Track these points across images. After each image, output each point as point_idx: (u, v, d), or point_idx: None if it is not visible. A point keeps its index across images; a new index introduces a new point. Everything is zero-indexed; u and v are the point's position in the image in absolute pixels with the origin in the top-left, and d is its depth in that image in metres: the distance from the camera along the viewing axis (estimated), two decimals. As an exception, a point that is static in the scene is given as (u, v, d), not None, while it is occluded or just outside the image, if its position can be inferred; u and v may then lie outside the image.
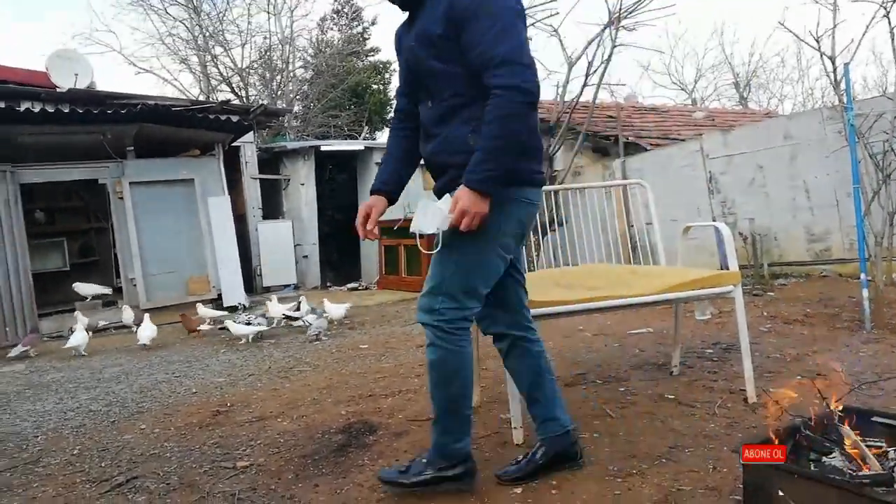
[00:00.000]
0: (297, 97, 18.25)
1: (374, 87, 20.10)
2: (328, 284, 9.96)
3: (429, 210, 1.96)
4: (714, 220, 6.74)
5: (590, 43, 8.56)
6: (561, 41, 8.25)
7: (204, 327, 6.06)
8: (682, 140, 9.70)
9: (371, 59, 20.90)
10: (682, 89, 26.57)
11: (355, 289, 9.26)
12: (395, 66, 21.30)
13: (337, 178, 11.26)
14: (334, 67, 17.65)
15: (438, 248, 2.01)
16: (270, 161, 10.19)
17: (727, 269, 2.88)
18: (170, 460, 2.73)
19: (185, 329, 6.09)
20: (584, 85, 8.14)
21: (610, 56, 8.07)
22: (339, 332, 5.78)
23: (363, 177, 10.32)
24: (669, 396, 2.99)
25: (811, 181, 5.98)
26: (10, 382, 4.47)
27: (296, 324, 6.01)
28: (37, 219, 7.22)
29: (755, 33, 42.39)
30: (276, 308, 6.16)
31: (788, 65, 33.94)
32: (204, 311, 6.25)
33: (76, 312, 6.13)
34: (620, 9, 7.75)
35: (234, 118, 7.73)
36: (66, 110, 7.45)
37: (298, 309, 6.14)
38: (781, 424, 1.82)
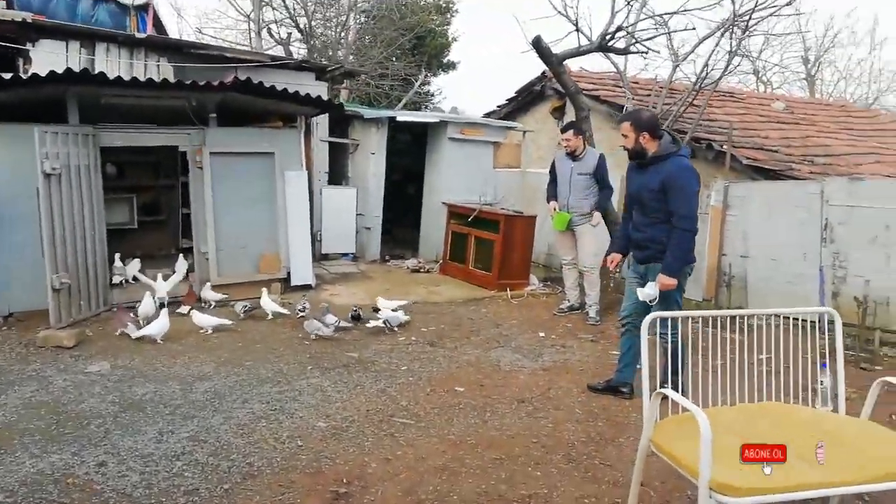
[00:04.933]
0: (357, 35, 17.47)
1: (436, 28, 19.14)
2: (386, 258, 9.70)
3: (649, 288, 4.14)
4: (821, 270, 6.34)
5: (701, 41, 7.91)
6: (669, 36, 7.59)
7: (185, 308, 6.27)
8: (797, 170, 8.85)
9: (435, -4, 19.80)
10: (747, 56, 25.22)
11: (417, 270, 8.99)
12: (458, 6, 20.30)
13: (401, 141, 10.78)
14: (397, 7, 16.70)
15: (657, 301, 4.13)
16: (339, 121, 9.72)
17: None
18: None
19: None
20: (697, 90, 7.52)
21: (728, 64, 7.45)
22: (421, 351, 5.56)
23: (433, 148, 9.85)
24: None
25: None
26: (100, 395, 4.29)
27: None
28: (108, 173, 6.92)
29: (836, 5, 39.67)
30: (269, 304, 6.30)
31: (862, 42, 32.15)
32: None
33: (153, 293, 6.03)
34: (753, 9, 6.93)
35: (324, 95, 7.31)
36: (144, 59, 7.10)
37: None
38: None
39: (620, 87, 9.67)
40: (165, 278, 6.43)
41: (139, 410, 4.09)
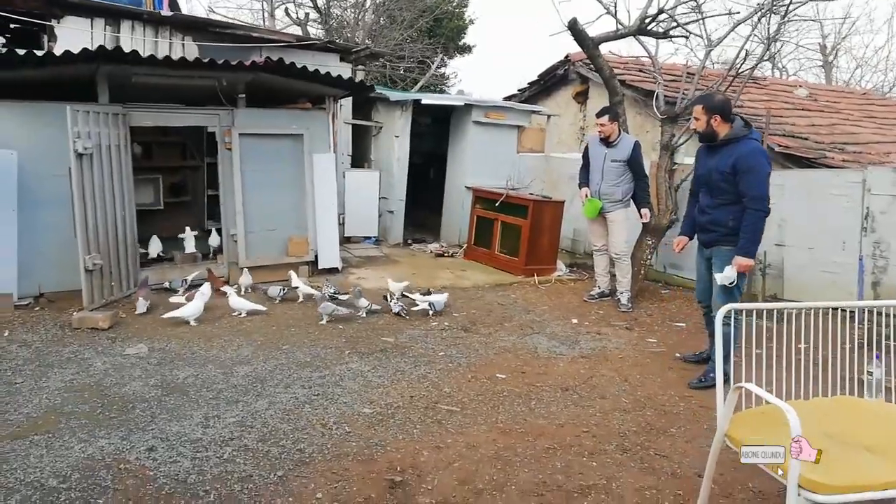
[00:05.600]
0: (375, 16, 17.25)
1: (454, 10, 18.87)
2: (409, 242, 9.61)
3: (728, 271, 4.19)
4: (861, 259, 6.23)
5: (736, 25, 7.71)
6: (703, 21, 7.39)
7: (227, 289, 6.01)
8: (830, 158, 8.63)
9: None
10: (762, 42, 24.85)
11: (441, 255, 8.90)
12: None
13: (422, 124, 10.64)
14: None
15: (735, 283, 4.24)
16: (362, 104, 9.59)
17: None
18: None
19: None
20: (734, 76, 7.31)
21: (766, 51, 7.27)
22: (456, 336, 5.49)
23: (457, 131, 9.72)
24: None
25: None
26: (142, 377, 4.25)
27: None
28: (134, 153, 6.81)
29: (852, -12, 39.07)
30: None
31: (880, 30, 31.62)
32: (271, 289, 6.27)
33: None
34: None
35: (347, 74, 7.17)
36: (169, 38, 6.98)
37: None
38: None
39: (645, 71, 9.51)
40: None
41: (182, 394, 4.04)
